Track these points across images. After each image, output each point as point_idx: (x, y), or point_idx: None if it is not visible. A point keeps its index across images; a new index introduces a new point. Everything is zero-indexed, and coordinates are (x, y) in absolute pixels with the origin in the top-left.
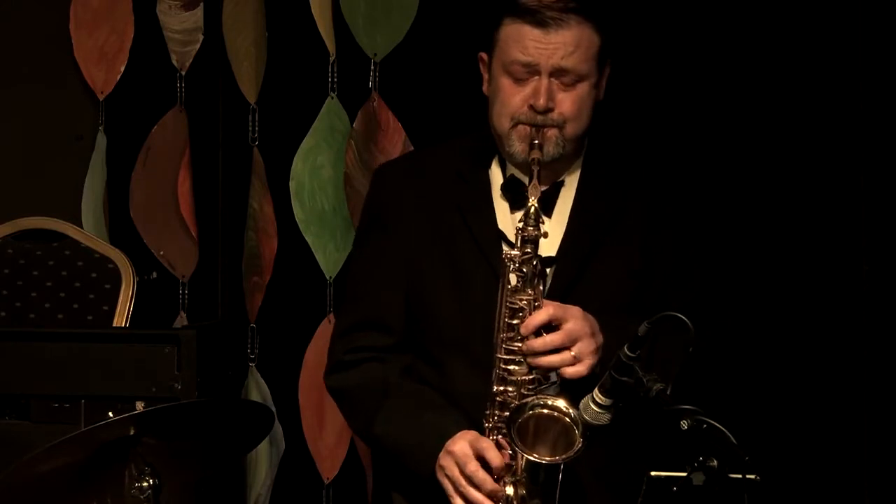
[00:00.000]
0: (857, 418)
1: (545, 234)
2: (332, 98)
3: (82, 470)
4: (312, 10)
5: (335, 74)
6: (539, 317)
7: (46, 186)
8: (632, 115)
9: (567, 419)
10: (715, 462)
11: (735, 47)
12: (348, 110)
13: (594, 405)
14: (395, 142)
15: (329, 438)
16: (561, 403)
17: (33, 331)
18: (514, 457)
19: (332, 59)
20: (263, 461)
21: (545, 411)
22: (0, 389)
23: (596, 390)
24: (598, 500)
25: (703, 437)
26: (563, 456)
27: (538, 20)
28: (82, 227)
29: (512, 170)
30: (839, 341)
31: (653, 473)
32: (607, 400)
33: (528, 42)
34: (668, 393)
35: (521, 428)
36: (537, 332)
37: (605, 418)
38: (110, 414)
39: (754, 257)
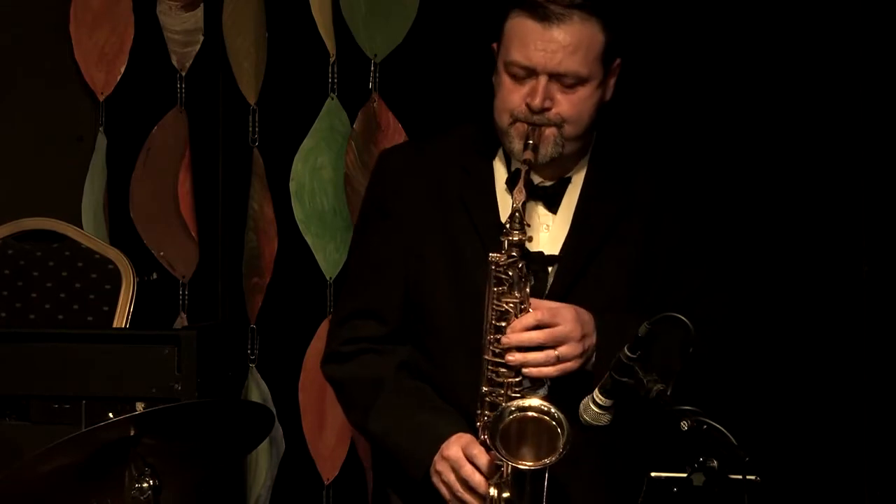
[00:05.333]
0: (857, 418)
1: (530, 239)
2: (332, 99)
3: (82, 471)
4: (312, 11)
5: (335, 75)
6: (526, 320)
7: (46, 187)
8: (635, 111)
9: (550, 420)
10: (715, 463)
11: (736, 47)
12: (348, 111)
13: (594, 406)
14: (395, 142)
15: (329, 439)
16: (539, 403)
17: (33, 331)
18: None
19: (332, 59)
20: (263, 462)
21: (527, 414)
22: (0, 390)
23: (596, 391)
24: (598, 501)
25: (704, 438)
26: (546, 461)
27: (541, 14)
28: (82, 228)
29: (517, 164)
30: (839, 341)
31: (653, 474)
32: (607, 401)
33: (528, 41)
34: (668, 394)
35: (504, 433)
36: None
37: (605, 419)
38: (110, 415)
39: (754, 257)
